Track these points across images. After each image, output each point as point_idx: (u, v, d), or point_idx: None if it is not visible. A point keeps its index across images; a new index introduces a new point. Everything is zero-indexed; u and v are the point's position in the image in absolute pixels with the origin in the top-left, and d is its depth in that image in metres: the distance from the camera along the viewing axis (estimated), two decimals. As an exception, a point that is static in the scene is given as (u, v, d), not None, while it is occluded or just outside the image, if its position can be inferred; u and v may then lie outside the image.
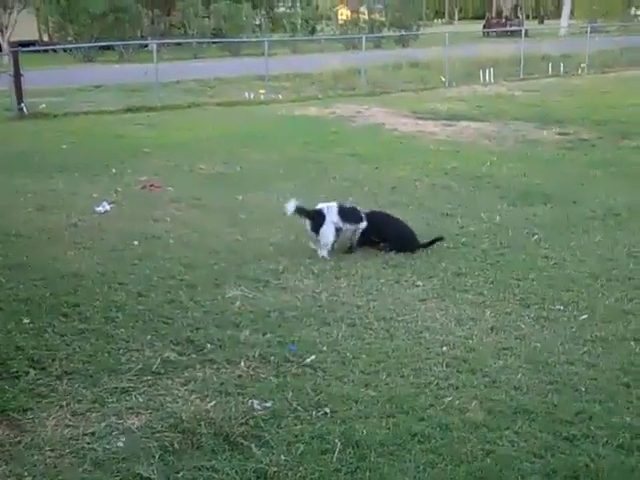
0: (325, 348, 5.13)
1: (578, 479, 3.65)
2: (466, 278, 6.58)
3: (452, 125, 15.77)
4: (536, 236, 7.80)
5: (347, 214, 7.39)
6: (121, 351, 5.05)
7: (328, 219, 7.26)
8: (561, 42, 35.54)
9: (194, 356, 5.02)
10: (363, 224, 7.39)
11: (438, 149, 13.07)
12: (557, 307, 5.88)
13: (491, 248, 7.37)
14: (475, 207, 8.92)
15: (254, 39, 36.32)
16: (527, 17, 76.86)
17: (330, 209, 7.35)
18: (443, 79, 24.06)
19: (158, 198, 9.64)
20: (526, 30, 33.26)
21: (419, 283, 6.46)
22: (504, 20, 58.72)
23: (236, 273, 6.72)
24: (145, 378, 4.67)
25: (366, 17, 49.58)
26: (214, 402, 4.36)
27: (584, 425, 4.10)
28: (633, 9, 62.42)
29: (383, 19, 48.88)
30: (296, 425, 4.14)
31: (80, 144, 13.61)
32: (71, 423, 4.16)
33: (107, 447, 3.92)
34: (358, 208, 7.56)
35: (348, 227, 7.38)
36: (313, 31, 48.09)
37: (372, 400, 4.39)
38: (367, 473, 3.71)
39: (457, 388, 4.56)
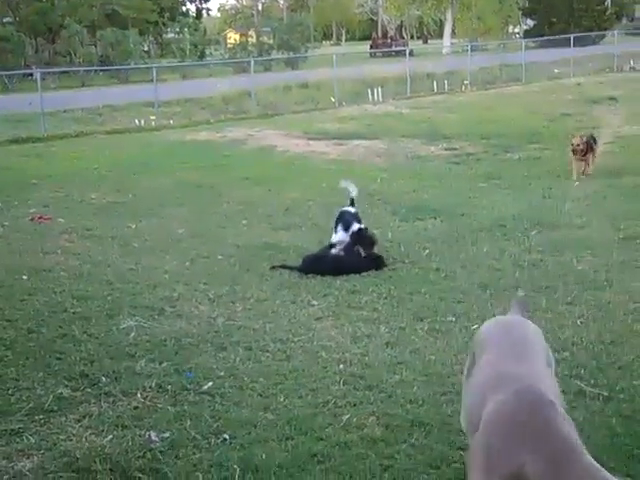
0: (222, 373, 5.11)
1: (473, 487, 3.73)
2: (360, 295, 6.67)
3: (343, 144, 15.99)
4: (427, 250, 7.97)
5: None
6: (10, 391, 4.87)
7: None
8: (444, 61, 36.70)
9: (89, 390, 4.90)
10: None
11: (330, 169, 13.22)
12: (449, 319, 6.02)
13: (384, 264, 7.49)
14: (367, 224, 8.99)
15: (142, 65, 35.96)
16: (411, 37, 78.97)
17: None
18: (333, 99, 24.40)
19: (48, 230, 9.40)
20: (411, 50, 34.21)
21: (314, 302, 6.51)
22: (389, 40, 60.20)
23: (130, 303, 6.61)
24: (37, 417, 4.52)
25: (254, 40, 49.96)
26: (110, 437, 4.27)
27: (477, 433, 4.20)
28: (511, 27, 65.02)
29: (271, 42, 49.35)
30: (195, 454, 4.10)
31: (-38, 178, 13.14)
32: (-44, 470, 4.00)
33: (-3, 492, 3.79)
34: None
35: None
36: (202, 56, 48.13)
37: (270, 423, 4.39)
38: (267, 497, 3.71)
39: (355, 405, 4.60)
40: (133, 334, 5.87)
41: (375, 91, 25.24)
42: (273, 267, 7.51)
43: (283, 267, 7.49)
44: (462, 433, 4.19)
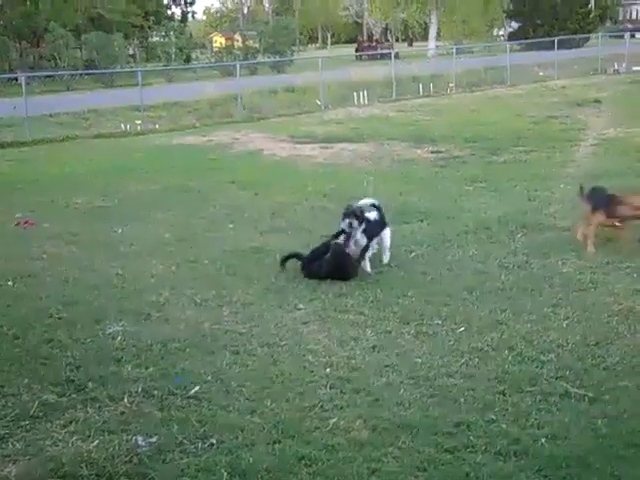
0: (209, 378, 5.11)
1: (459, 488, 3.75)
2: (347, 299, 6.67)
3: (329, 148, 15.98)
4: (413, 253, 7.98)
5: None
6: (-4, 398, 4.88)
7: None
8: (430, 63, 36.85)
9: (75, 396, 4.90)
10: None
11: (316, 172, 13.22)
12: (435, 322, 6.03)
13: (370, 267, 7.49)
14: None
15: (127, 69, 35.90)
16: (397, 40, 79.18)
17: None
18: (319, 103, 24.43)
19: (33, 235, 9.36)
20: (396, 52, 34.30)
21: (301, 306, 6.51)
22: (375, 43, 60.43)
23: (117, 308, 6.60)
24: (22, 423, 4.51)
25: (240, 44, 49.98)
26: (96, 442, 4.26)
27: (464, 435, 4.22)
28: (495, 29, 65.35)
29: (257, 45, 49.38)
30: (182, 459, 4.10)
31: (-53, 183, 13.08)
32: (-57, 478, 3.98)
33: (-17, 498, 3.78)
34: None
35: None
36: (188, 59, 48.12)
37: (258, 427, 4.40)
38: (255, 501, 3.72)
39: (342, 408, 4.61)
40: (119, 339, 5.86)
41: (361, 94, 25.28)
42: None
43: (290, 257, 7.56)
44: (449, 435, 4.22)
